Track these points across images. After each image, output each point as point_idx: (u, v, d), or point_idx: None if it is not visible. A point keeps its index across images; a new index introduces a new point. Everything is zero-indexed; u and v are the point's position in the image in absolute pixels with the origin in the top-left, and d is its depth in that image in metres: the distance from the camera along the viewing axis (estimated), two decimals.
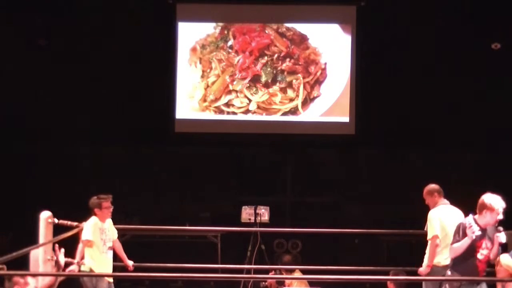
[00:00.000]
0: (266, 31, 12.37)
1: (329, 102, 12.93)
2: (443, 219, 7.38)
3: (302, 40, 12.69)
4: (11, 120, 12.84)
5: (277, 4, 13.07)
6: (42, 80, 12.81)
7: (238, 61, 12.46)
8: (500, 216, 6.50)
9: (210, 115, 12.73)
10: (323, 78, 12.86)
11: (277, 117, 12.92)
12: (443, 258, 7.28)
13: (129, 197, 12.48)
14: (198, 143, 13.11)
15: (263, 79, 12.46)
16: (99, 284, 7.39)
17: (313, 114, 12.94)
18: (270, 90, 12.64)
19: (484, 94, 12.78)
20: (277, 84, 12.57)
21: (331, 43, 12.96)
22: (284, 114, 12.66)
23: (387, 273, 8.38)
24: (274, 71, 12.36)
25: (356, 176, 13.11)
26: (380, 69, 12.86)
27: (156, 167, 13.15)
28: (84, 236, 7.56)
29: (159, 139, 12.99)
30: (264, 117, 12.94)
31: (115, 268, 7.73)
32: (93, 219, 7.64)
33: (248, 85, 12.46)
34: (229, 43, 12.51)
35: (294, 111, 12.75)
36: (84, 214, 7.88)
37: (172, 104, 13.02)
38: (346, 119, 12.93)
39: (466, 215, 7.10)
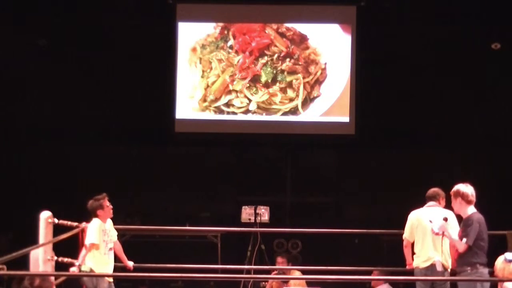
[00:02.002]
0: (266, 31, 12.38)
1: (329, 102, 12.93)
2: (417, 221, 7.32)
3: (302, 40, 12.69)
4: (11, 120, 12.85)
5: (277, 4, 13.07)
6: (42, 80, 12.81)
7: (238, 61, 12.47)
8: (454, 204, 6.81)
9: (210, 115, 12.74)
10: (323, 78, 12.87)
11: (277, 117, 12.92)
12: (421, 260, 7.25)
13: (129, 197, 12.49)
14: (198, 143, 13.11)
15: (263, 79, 12.47)
16: (100, 284, 7.37)
17: (313, 114, 12.94)
18: (270, 90, 12.66)
19: (484, 94, 12.78)
20: (277, 84, 12.59)
21: (331, 43, 12.96)
22: (284, 114, 12.66)
23: (386, 273, 8.39)
24: (274, 71, 12.37)
25: (356, 176, 13.11)
26: (380, 69, 12.86)
27: (156, 167, 13.15)
28: (88, 240, 7.43)
29: (159, 139, 12.99)
30: (264, 117, 12.94)
31: (115, 268, 7.72)
32: (96, 222, 7.56)
33: (248, 85, 12.47)
34: (229, 43, 12.51)
35: (294, 111, 12.76)
36: (84, 214, 7.87)
37: (172, 104, 13.02)
38: (346, 119, 12.93)
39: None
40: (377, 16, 12.83)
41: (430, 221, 7.01)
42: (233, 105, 12.67)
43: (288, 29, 12.49)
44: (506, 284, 6.01)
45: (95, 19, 12.76)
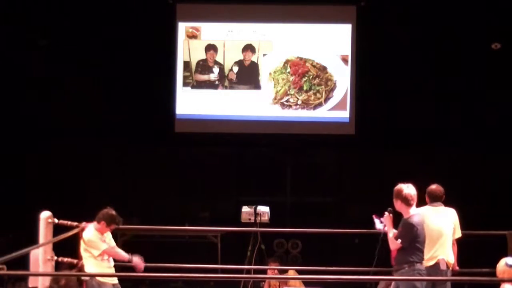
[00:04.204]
0: (306, 64, 13.03)
1: (330, 102, 12.98)
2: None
3: (324, 68, 13.07)
4: (11, 120, 12.84)
5: (277, 4, 13.09)
6: (42, 80, 12.81)
7: (292, 79, 13.12)
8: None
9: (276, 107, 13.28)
10: (334, 87, 12.98)
11: (277, 117, 12.98)
12: (425, 259, 7.18)
13: (129, 197, 12.48)
14: (198, 143, 13.11)
15: (304, 88, 13.05)
16: None
17: (314, 113, 12.98)
18: (308, 93, 13.09)
19: (484, 94, 12.78)
20: (311, 91, 13.08)
21: (331, 43, 12.99)
22: (315, 106, 13.04)
23: (387, 273, 8.36)
24: (310, 84, 13.06)
25: (356, 176, 13.11)
26: (380, 69, 12.86)
27: (156, 167, 13.15)
28: (96, 251, 7.42)
29: (159, 139, 12.99)
30: (263, 117, 12.99)
31: (115, 269, 7.70)
32: (92, 231, 7.50)
33: (297, 91, 13.07)
34: (288, 70, 13.11)
35: (320, 104, 13.04)
36: (84, 214, 7.87)
37: (172, 104, 13.02)
38: (346, 119, 12.96)
39: (462, 214, 7.25)
40: (377, 16, 12.83)
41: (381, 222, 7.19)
42: (289, 101, 13.05)
43: (317, 63, 13.03)
44: (505, 285, 6.02)
45: (95, 19, 12.76)
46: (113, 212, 7.56)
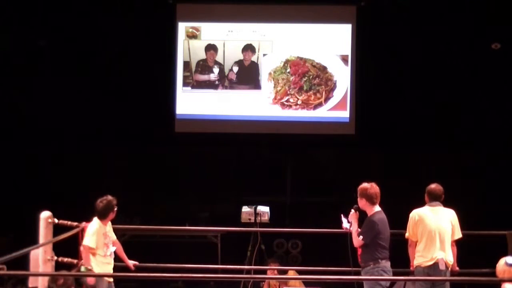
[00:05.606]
0: (306, 64, 13.08)
1: (330, 102, 12.98)
2: (420, 220, 7.37)
3: (324, 68, 13.11)
4: (11, 120, 12.85)
5: (277, 4, 13.10)
6: (42, 80, 12.81)
7: (292, 79, 13.14)
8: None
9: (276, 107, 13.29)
10: (334, 87, 12.99)
11: (277, 117, 12.98)
12: (424, 259, 7.29)
13: (129, 197, 12.47)
14: (198, 143, 13.11)
15: (304, 88, 13.10)
16: (99, 285, 7.36)
17: (314, 113, 12.99)
18: (308, 93, 13.11)
19: (484, 94, 12.78)
20: (311, 91, 13.13)
21: (331, 43, 13.00)
22: (314, 107, 13.08)
23: None
24: (310, 84, 13.11)
25: (356, 176, 13.06)
26: (380, 69, 12.87)
27: (156, 167, 13.15)
28: (86, 241, 7.31)
29: (159, 139, 12.99)
30: (263, 117, 13.00)
31: (115, 268, 7.70)
32: (96, 224, 7.46)
33: (297, 91, 13.12)
34: (288, 70, 13.14)
35: (319, 104, 13.08)
36: (84, 214, 7.86)
37: (172, 104, 13.02)
38: (346, 119, 12.97)
39: (462, 214, 7.24)
40: (377, 16, 12.83)
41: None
42: (289, 101, 13.11)
43: (317, 63, 13.05)
44: (506, 285, 6.03)
45: (95, 19, 12.77)
46: (105, 200, 7.47)
